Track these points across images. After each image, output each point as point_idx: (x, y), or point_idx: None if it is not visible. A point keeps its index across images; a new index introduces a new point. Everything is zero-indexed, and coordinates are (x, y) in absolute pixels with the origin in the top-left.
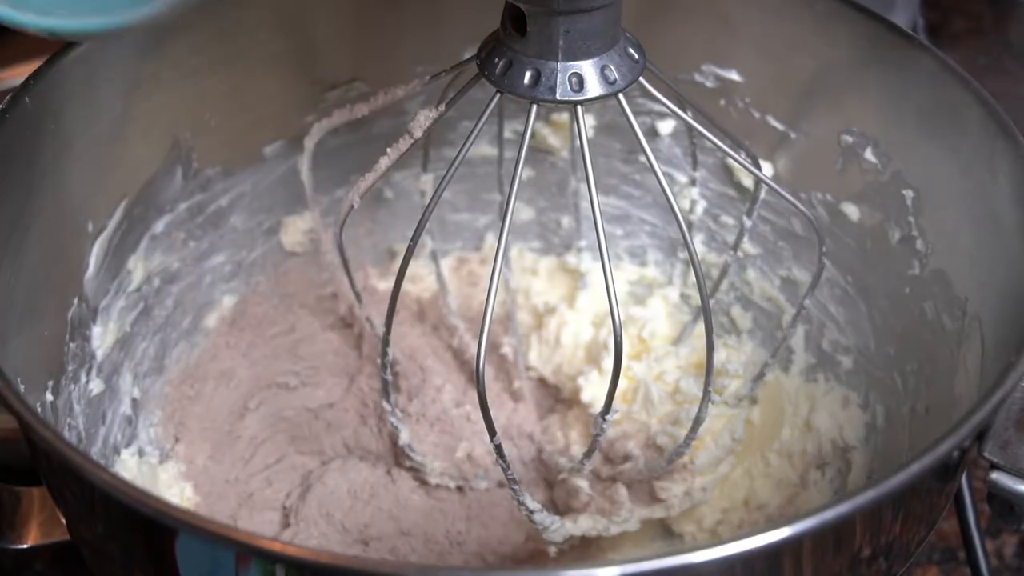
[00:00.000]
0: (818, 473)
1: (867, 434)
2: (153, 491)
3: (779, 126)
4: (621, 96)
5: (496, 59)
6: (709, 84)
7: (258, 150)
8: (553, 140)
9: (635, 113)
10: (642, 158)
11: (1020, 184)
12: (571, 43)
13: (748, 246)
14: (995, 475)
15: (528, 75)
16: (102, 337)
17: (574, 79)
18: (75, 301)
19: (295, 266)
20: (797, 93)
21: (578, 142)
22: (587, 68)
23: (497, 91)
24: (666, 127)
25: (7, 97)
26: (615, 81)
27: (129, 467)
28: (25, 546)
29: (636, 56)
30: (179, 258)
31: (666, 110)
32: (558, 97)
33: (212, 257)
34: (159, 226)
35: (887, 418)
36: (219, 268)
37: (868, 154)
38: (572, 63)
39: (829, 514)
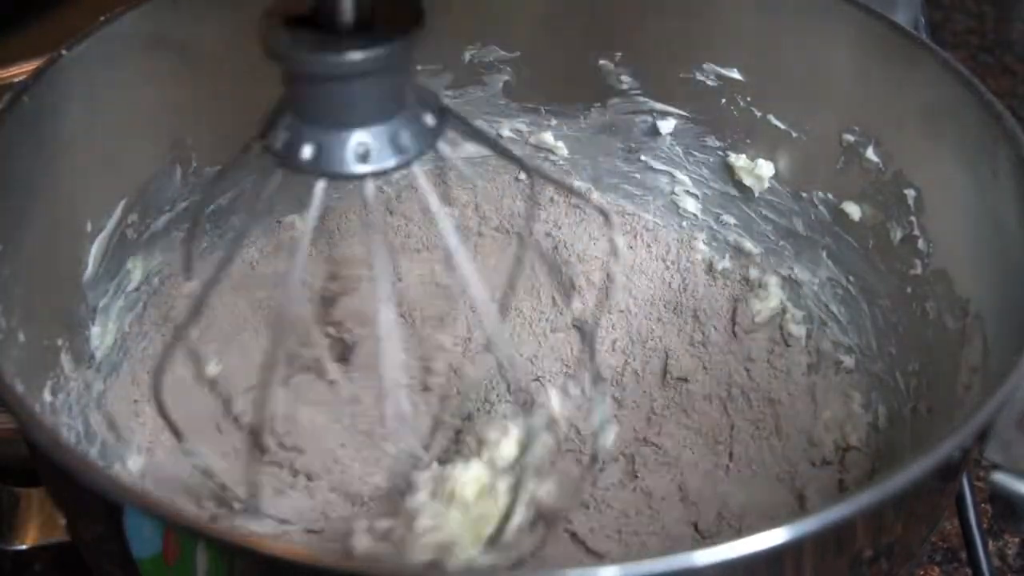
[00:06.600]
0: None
1: (869, 434)
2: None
3: (780, 125)
4: (416, 167)
5: (279, 131)
6: (710, 82)
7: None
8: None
9: (635, 112)
10: (643, 156)
11: (1022, 184)
12: (354, 108)
13: (749, 245)
14: (997, 476)
15: (310, 147)
16: (101, 337)
17: (360, 148)
18: (74, 301)
19: None
20: (798, 92)
21: (373, 215)
22: (376, 135)
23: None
24: (667, 126)
25: (7, 97)
26: (407, 149)
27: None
28: (24, 547)
29: (431, 122)
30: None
31: (667, 109)
32: (345, 170)
33: (211, 257)
34: (158, 226)
35: (889, 418)
36: None
37: (870, 153)
38: (357, 131)
39: (831, 515)
